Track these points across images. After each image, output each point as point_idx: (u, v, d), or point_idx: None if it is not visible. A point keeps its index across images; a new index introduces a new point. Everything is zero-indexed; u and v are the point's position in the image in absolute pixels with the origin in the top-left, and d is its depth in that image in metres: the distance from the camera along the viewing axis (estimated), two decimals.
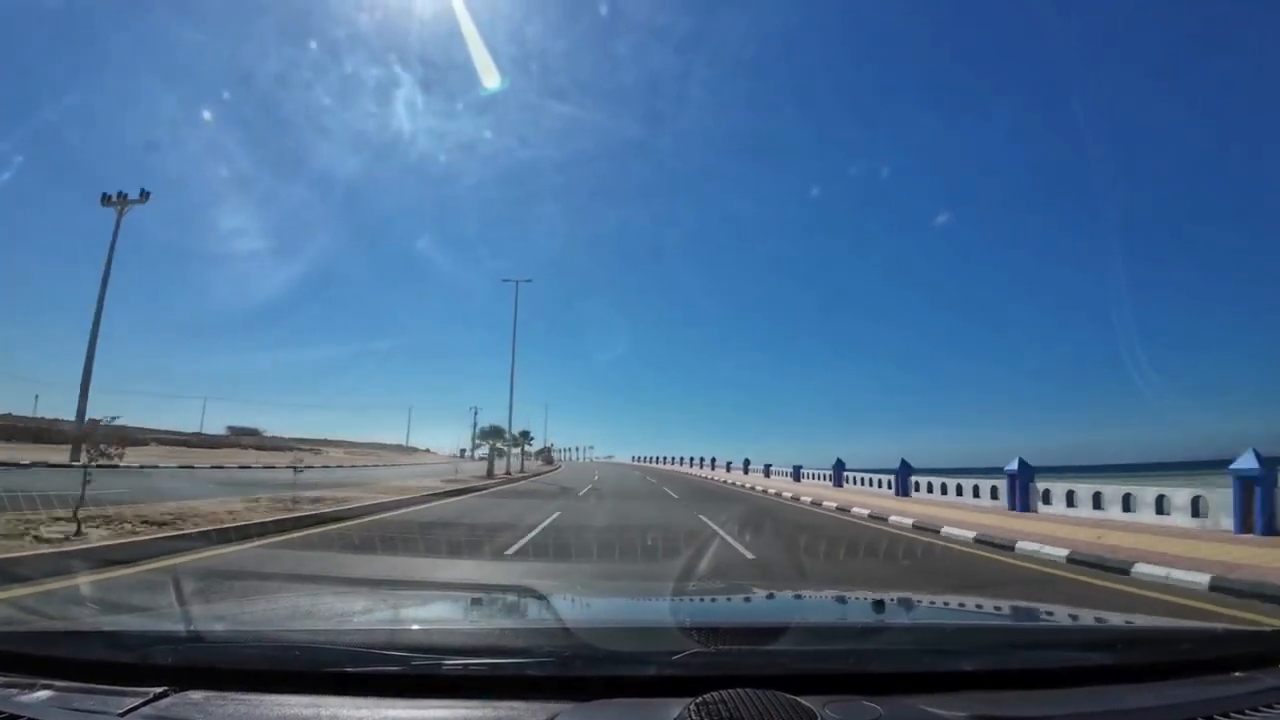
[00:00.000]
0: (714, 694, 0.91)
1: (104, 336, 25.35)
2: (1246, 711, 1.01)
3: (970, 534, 10.04)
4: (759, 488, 24.44)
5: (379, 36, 47.84)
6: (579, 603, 2.06)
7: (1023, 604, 2.32)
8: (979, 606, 2.22)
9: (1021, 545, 8.89)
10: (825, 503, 16.66)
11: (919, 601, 2.28)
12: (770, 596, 2.31)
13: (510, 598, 2.10)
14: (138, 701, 0.96)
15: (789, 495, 20.07)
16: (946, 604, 2.34)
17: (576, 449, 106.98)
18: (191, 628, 1.34)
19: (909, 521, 11.96)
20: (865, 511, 13.96)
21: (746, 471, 37.64)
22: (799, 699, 0.91)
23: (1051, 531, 10.06)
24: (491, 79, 32.85)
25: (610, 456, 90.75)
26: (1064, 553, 7.97)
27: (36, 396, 53.63)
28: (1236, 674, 1.19)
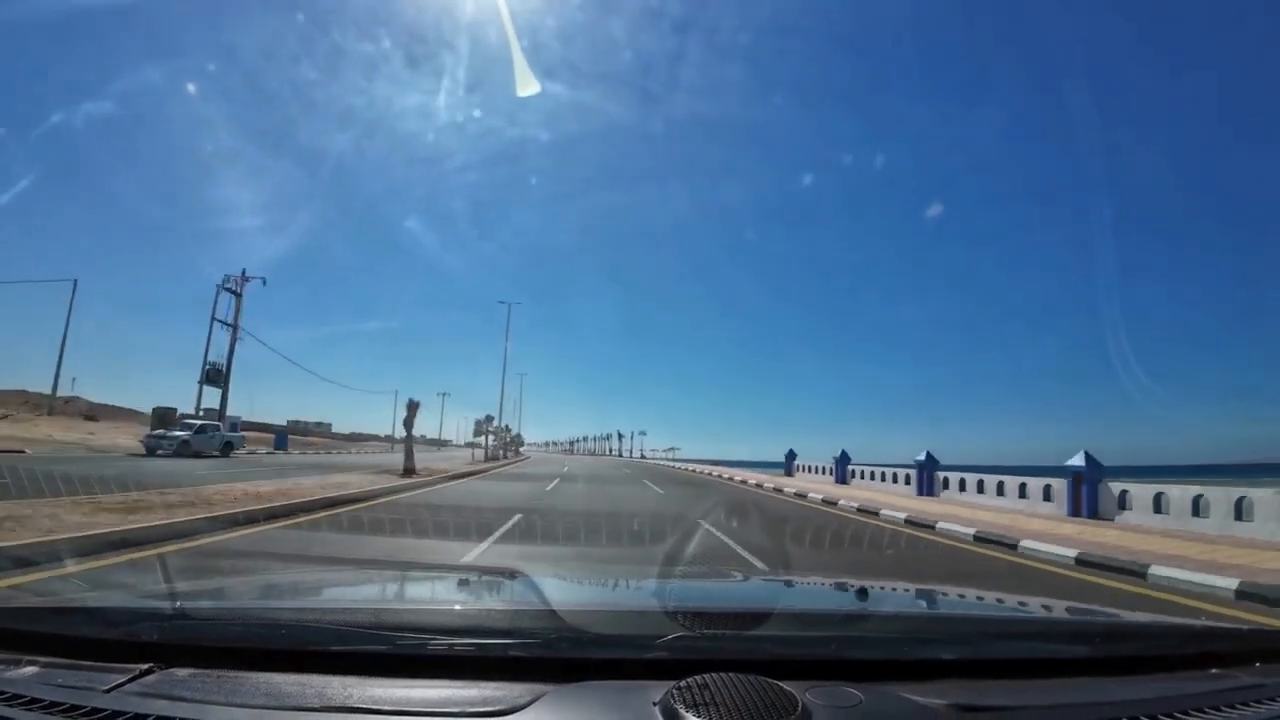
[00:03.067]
0: (696, 677, 0.95)
1: None
2: (1222, 708, 1.04)
3: (1070, 552, 7.60)
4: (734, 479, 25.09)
5: (379, 14, 49.45)
6: (565, 585, 2.08)
7: (1004, 595, 2.44)
8: (961, 596, 2.27)
9: (1156, 571, 6.39)
10: (841, 501, 15.12)
11: (902, 590, 2.36)
12: (755, 582, 2.37)
13: (497, 579, 2.14)
14: (123, 678, 0.99)
15: (790, 492, 18.37)
16: (929, 593, 2.34)
17: (608, 438, 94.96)
18: (177, 605, 1.36)
19: (967, 531, 9.70)
20: (899, 515, 12.07)
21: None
22: (780, 684, 0.95)
23: (1175, 549, 8.20)
24: (529, 86, 30.86)
25: (673, 450, 71.72)
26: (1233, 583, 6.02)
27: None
28: (1213, 670, 1.22)
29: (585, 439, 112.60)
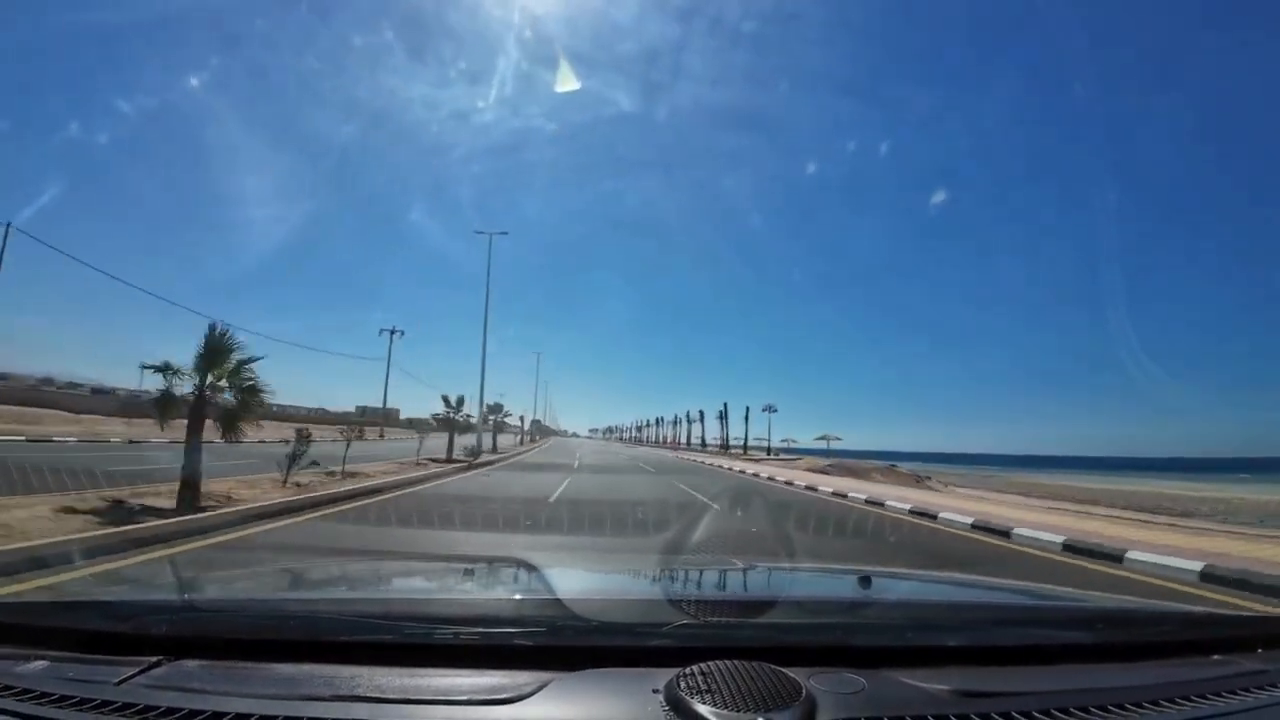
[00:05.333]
0: (700, 664, 0.97)
1: None
2: (1224, 694, 1.05)
3: None
4: None
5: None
6: (570, 574, 2.09)
7: (1007, 582, 2.44)
8: (964, 583, 2.28)
9: None
10: None
11: (905, 577, 2.38)
12: (758, 571, 2.33)
13: (502, 569, 2.15)
14: (133, 671, 1.01)
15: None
16: (933, 580, 2.38)
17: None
18: (185, 598, 1.39)
19: None
20: None
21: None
22: (784, 670, 0.96)
23: None
24: (568, 83, 33.37)
25: (826, 438, 44.29)
26: None
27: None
28: (1215, 657, 1.24)
29: (659, 421, 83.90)
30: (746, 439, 52.29)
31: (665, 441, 76.16)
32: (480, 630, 1.13)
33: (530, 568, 1.92)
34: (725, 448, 52.99)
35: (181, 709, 0.90)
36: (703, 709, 0.87)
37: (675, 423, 72.92)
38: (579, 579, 2.05)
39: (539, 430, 72.73)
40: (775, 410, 49.88)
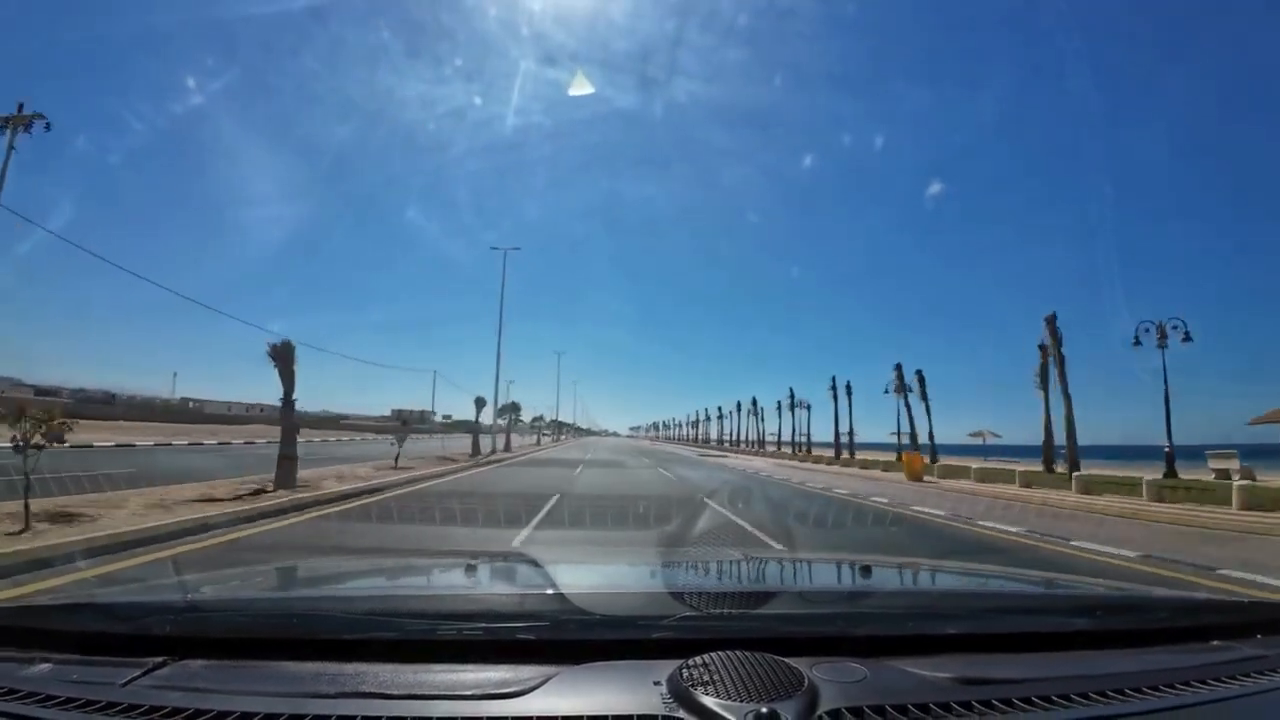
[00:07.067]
0: (703, 656, 0.98)
1: None
2: (1224, 680, 1.06)
3: None
4: None
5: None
6: (572, 568, 2.10)
7: (1007, 570, 2.55)
8: (964, 572, 2.30)
9: None
10: None
11: (906, 567, 2.36)
12: (759, 562, 2.35)
13: (504, 564, 2.15)
14: (137, 672, 1.01)
15: None
16: (933, 569, 2.36)
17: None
18: (188, 597, 1.39)
19: None
20: None
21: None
22: (786, 660, 0.97)
23: None
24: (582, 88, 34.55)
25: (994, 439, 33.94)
26: None
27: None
28: (1214, 642, 1.24)
29: (740, 407, 65.29)
30: (851, 435, 36.96)
31: (738, 443, 60.22)
32: (483, 625, 1.14)
33: (533, 563, 1.93)
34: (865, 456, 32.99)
35: (187, 709, 0.90)
36: (706, 700, 0.87)
37: (756, 413, 57.81)
38: (581, 572, 2.06)
39: (559, 429, 67.01)
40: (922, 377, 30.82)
